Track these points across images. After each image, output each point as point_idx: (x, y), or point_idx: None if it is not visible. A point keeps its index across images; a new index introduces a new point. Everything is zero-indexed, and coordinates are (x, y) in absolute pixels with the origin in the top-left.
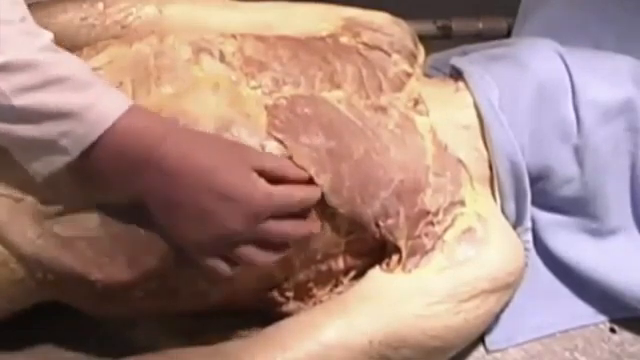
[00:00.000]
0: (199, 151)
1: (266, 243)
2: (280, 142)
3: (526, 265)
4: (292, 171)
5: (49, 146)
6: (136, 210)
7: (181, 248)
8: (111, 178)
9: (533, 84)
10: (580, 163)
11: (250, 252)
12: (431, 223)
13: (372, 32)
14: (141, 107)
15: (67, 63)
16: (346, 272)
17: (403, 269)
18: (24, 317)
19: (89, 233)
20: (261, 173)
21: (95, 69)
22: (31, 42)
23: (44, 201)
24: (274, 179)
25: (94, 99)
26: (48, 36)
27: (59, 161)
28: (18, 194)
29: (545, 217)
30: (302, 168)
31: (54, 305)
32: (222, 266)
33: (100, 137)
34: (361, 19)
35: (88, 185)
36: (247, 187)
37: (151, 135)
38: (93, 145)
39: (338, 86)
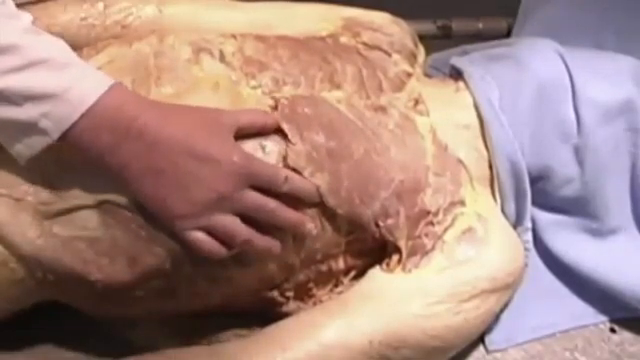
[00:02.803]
0: (177, 120)
1: (251, 220)
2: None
3: (526, 265)
4: (267, 119)
5: (30, 128)
6: (136, 210)
7: (181, 244)
8: (89, 154)
9: (533, 84)
10: (580, 163)
11: (234, 222)
12: (431, 223)
13: (372, 32)
14: (120, 85)
15: (48, 45)
16: (346, 272)
17: (403, 269)
18: (24, 317)
19: (89, 233)
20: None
21: None
22: (13, 25)
23: (44, 201)
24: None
25: (74, 80)
26: (28, 18)
27: (40, 142)
28: (18, 194)
29: (545, 217)
30: (297, 169)
31: (54, 305)
32: (209, 242)
33: (80, 117)
34: (361, 19)
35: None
36: (225, 148)
37: (129, 109)
38: (73, 125)
39: (338, 86)
